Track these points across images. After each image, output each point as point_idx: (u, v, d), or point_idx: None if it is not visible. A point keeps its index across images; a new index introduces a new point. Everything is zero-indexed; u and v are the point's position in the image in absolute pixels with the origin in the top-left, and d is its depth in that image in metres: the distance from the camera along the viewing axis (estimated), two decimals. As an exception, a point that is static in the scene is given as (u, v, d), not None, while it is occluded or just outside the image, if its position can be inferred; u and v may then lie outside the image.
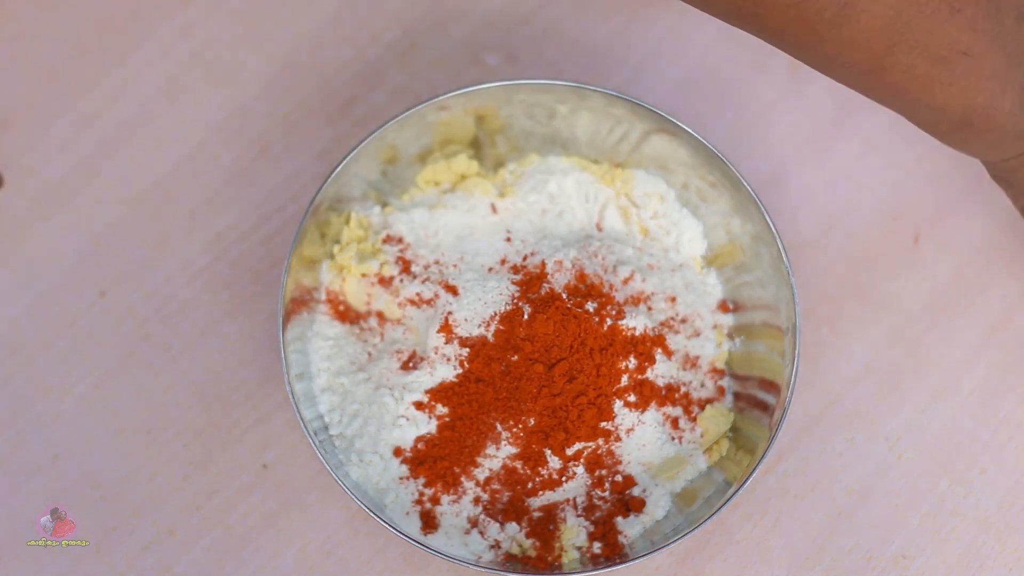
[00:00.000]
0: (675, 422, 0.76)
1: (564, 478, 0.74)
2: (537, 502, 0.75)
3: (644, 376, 0.75)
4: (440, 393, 0.75)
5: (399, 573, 0.77)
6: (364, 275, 0.78)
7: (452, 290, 0.77)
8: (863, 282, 0.82)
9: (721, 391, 0.78)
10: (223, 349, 0.80)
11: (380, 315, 0.78)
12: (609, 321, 0.75)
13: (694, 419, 0.77)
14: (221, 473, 0.78)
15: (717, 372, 0.78)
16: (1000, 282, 0.82)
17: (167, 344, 0.80)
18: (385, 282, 0.78)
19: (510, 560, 0.74)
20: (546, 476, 0.74)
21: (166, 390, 0.79)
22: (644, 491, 0.76)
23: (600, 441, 0.75)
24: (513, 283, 0.76)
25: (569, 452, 0.74)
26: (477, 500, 0.74)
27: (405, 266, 0.78)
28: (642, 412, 0.75)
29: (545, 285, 0.75)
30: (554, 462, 0.74)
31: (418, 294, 0.77)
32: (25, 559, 0.77)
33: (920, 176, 0.84)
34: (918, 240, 0.83)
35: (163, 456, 0.78)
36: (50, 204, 0.81)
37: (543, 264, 0.76)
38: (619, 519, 0.75)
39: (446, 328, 0.75)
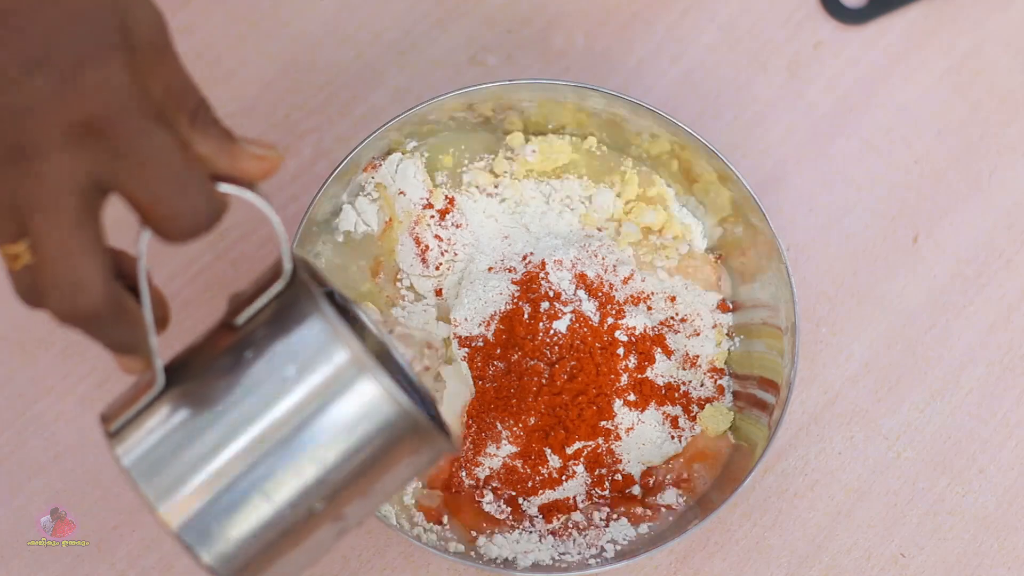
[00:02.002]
0: (675, 421, 0.76)
1: (564, 477, 0.74)
2: (537, 501, 0.75)
3: (644, 375, 0.76)
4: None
5: (399, 572, 0.77)
6: (365, 275, 0.78)
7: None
8: (862, 282, 0.82)
9: (721, 390, 0.78)
10: (224, 349, 0.79)
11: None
12: (609, 320, 0.75)
13: (694, 418, 0.77)
14: (221, 472, 0.78)
15: (717, 371, 0.78)
16: (998, 282, 0.82)
17: (168, 344, 0.79)
18: (386, 281, 0.78)
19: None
20: (546, 475, 0.74)
21: (167, 390, 0.79)
22: (644, 490, 0.76)
23: (600, 440, 0.75)
24: (513, 282, 0.76)
25: (569, 451, 0.75)
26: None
27: (406, 265, 0.78)
28: (642, 411, 0.75)
29: (545, 284, 0.75)
30: (554, 461, 0.74)
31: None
32: (25, 559, 0.77)
33: (919, 176, 0.84)
34: (917, 240, 0.83)
35: (163, 456, 0.78)
36: (50, 204, 0.81)
37: (543, 263, 0.76)
38: (619, 518, 0.75)
39: (446, 327, 0.75)
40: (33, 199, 0.49)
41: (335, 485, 0.52)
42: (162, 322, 0.57)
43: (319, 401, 0.52)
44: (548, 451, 0.74)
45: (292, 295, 0.53)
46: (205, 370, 0.53)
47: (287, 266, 0.54)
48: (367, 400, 0.51)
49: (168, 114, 0.51)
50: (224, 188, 0.53)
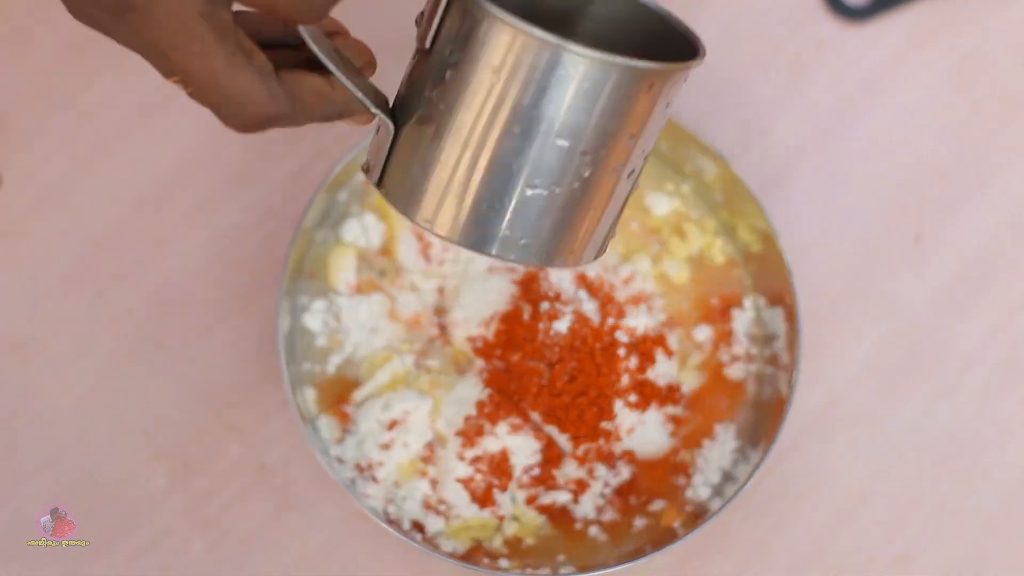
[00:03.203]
0: (676, 421, 0.76)
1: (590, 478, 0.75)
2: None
3: (645, 376, 0.75)
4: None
5: (398, 573, 0.77)
6: (364, 275, 0.78)
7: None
8: (864, 282, 0.82)
9: (722, 391, 0.78)
10: (222, 349, 0.79)
11: (380, 315, 0.78)
12: (610, 321, 0.75)
13: (695, 419, 0.77)
14: (221, 473, 0.78)
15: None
16: (1002, 282, 0.82)
17: (166, 344, 0.80)
18: (385, 282, 0.78)
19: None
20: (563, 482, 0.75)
21: (166, 390, 0.79)
22: (645, 491, 0.76)
23: (601, 441, 0.75)
24: (513, 282, 0.76)
25: (579, 452, 0.74)
26: None
27: (405, 266, 0.78)
28: (643, 412, 0.75)
29: (545, 284, 0.75)
30: (571, 467, 0.74)
31: (418, 294, 0.77)
32: (25, 559, 0.77)
33: (921, 175, 0.84)
34: (920, 240, 0.83)
35: (163, 456, 0.78)
36: (50, 204, 0.81)
37: (543, 264, 0.76)
38: (619, 519, 0.75)
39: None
40: (160, 41, 0.51)
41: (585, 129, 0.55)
42: (370, 66, 0.58)
43: (527, 83, 0.54)
44: (568, 452, 0.74)
45: (458, 5, 0.55)
46: (422, 101, 0.56)
47: None
48: (559, 58, 0.54)
49: None
50: None
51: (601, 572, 0.73)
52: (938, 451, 0.80)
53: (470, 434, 0.73)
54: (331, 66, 0.55)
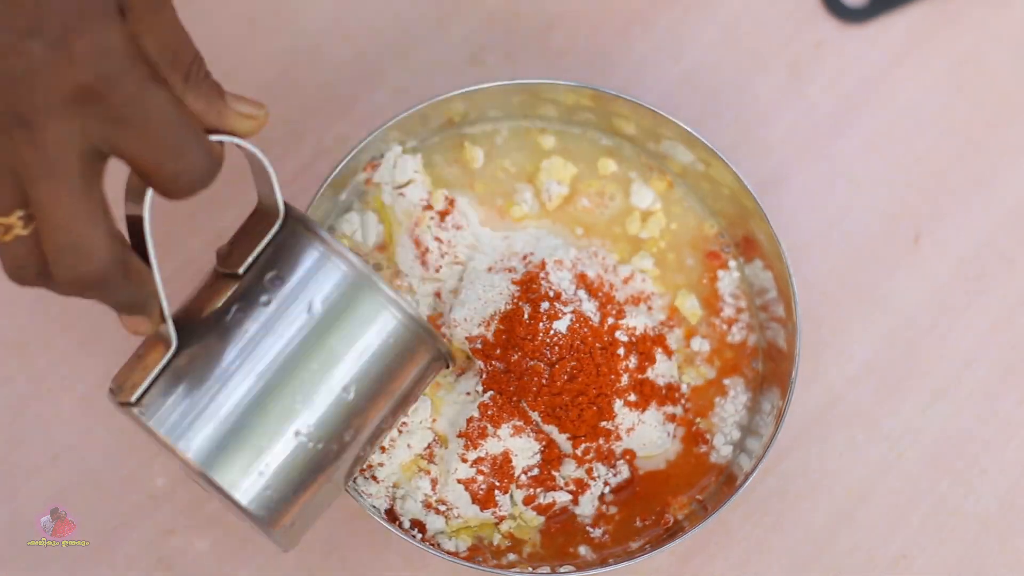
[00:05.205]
0: (676, 421, 0.76)
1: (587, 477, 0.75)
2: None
3: (644, 375, 0.75)
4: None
5: (398, 572, 0.77)
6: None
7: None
8: (863, 282, 0.82)
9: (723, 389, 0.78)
10: (223, 349, 0.79)
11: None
12: (609, 320, 0.75)
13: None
14: (221, 473, 0.78)
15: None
16: (1000, 282, 0.82)
17: (167, 344, 0.80)
18: (385, 282, 0.78)
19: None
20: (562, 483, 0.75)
21: (166, 390, 0.79)
22: (644, 491, 0.76)
23: (600, 441, 0.75)
24: (513, 282, 0.76)
25: (578, 452, 0.75)
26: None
27: (405, 266, 0.78)
28: (642, 411, 0.75)
29: (545, 284, 0.75)
30: (570, 467, 0.75)
31: (418, 294, 0.77)
32: (25, 559, 0.77)
33: (920, 175, 0.84)
34: (918, 240, 0.83)
35: (163, 456, 0.78)
36: (50, 204, 0.81)
37: (543, 263, 0.76)
38: (619, 519, 0.75)
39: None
40: (34, 167, 0.50)
41: (361, 391, 0.57)
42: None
43: (340, 324, 0.55)
44: (569, 448, 0.74)
45: (289, 234, 0.56)
46: (220, 323, 0.56)
47: (282, 208, 0.57)
48: (378, 310, 0.56)
49: (163, 72, 0.52)
50: (217, 138, 0.55)
51: (601, 571, 0.73)
52: (937, 450, 0.80)
53: (472, 436, 0.73)
54: (153, 259, 0.55)
